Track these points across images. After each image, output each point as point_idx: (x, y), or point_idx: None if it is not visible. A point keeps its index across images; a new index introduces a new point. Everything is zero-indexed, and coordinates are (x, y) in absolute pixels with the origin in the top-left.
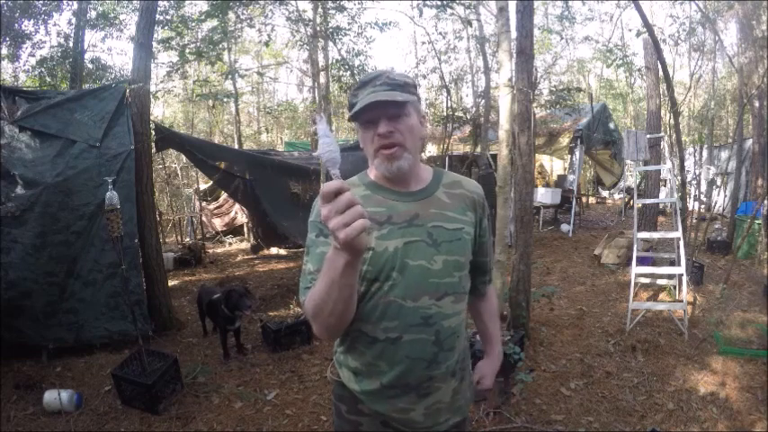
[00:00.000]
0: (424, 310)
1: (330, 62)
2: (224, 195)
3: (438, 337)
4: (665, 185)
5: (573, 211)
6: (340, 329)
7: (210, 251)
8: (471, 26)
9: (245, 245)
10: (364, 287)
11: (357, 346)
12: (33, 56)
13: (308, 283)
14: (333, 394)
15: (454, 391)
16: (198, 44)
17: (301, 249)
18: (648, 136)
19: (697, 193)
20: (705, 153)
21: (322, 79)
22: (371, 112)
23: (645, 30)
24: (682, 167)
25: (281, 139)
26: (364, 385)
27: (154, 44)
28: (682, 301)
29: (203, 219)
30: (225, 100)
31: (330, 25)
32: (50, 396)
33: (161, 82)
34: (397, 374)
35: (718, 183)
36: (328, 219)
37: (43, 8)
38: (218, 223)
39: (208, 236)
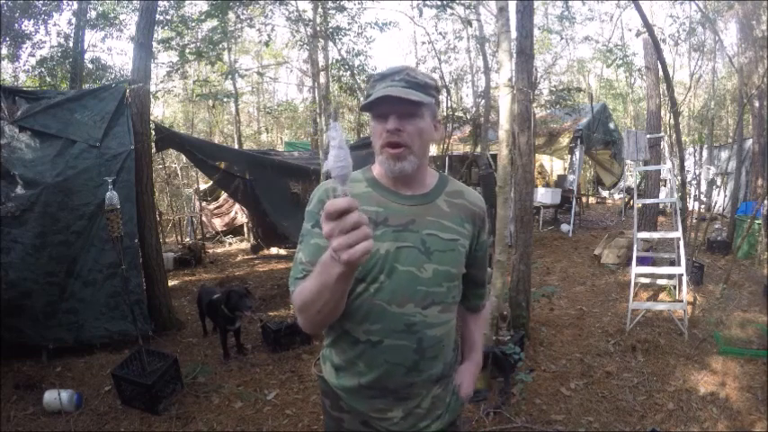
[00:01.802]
0: (409, 317)
1: (330, 62)
2: (224, 195)
3: (420, 345)
4: (665, 185)
5: (573, 211)
6: (324, 325)
7: (210, 251)
8: (471, 26)
9: (245, 245)
10: (351, 285)
11: (340, 343)
12: (33, 56)
13: (298, 273)
14: (319, 389)
15: (435, 397)
16: (198, 44)
17: None
18: (648, 136)
19: (697, 193)
20: (705, 153)
21: (322, 79)
22: (383, 107)
23: (645, 30)
24: (682, 167)
25: (281, 139)
26: (343, 381)
27: (154, 44)
28: (682, 301)
29: (203, 219)
30: (225, 100)
31: (330, 25)
32: (50, 396)
33: (161, 82)
34: (376, 377)
35: (718, 183)
36: (331, 237)
37: (43, 8)
38: (218, 223)
39: (208, 236)
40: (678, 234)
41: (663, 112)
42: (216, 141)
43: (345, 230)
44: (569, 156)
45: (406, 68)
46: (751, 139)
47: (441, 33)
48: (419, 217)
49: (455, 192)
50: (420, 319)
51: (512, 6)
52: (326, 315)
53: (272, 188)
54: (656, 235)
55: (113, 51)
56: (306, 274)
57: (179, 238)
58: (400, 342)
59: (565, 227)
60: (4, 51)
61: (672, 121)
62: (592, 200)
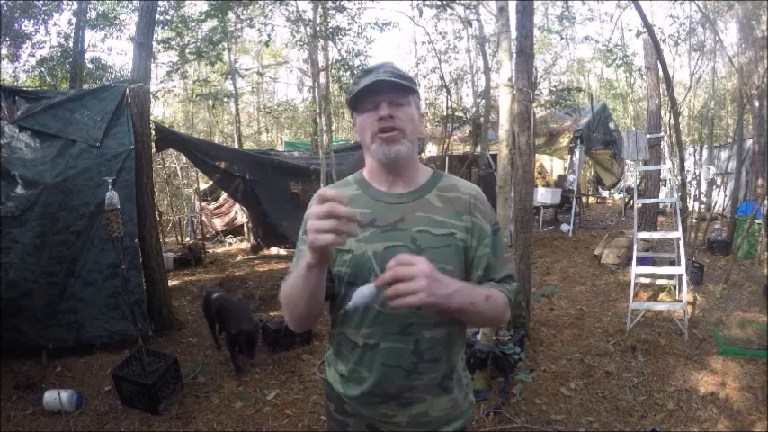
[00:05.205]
0: (403, 318)
1: (330, 62)
2: (224, 195)
3: (417, 347)
4: (665, 185)
5: (573, 211)
6: (305, 322)
7: (210, 251)
8: (471, 26)
9: (245, 245)
10: (343, 289)
11: (342, 350)
12: (33, 56)
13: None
14: (323, 392)
15: (452, 407)
16: (198, 44)
17: None
18: (648, 136)
19: (697, 193)
20: (705, 153)
21: (322, 79)
22: (373, 98)
23: (645, 30)
24: (682, 167)
25: (281, 139)
26: (348, 390)
27: (154, 44)
28: (682, 301)
29: (203, 219)
30: (225, 100)
31: (330, 25)
32: (50, 396)
33: (161, 82)
34: (375, 382)
35: (718, 183)
36: (310, 218)
37: (43, 8)
38: (218, 223)
39: (208, 236)
40: (678, 234)
41: (663, 112)
42: (216, 141)
43: (319, 216)
44: (569, 156)
45: (389, 63)
46: (751, 139)
47: (441, 33)
48: (408, 215)
49: (449, 186)
50: (415, 321)
51: (512, 6)
52: (304, 309)
53: (272, 188)
54: (656, 235)
55: (113, 51)
56: None
57: (179, 238)
58: (396, 344)
59: (565, 227)
60: (4, 51)
61: (672, 121)
62: (592, 200)
